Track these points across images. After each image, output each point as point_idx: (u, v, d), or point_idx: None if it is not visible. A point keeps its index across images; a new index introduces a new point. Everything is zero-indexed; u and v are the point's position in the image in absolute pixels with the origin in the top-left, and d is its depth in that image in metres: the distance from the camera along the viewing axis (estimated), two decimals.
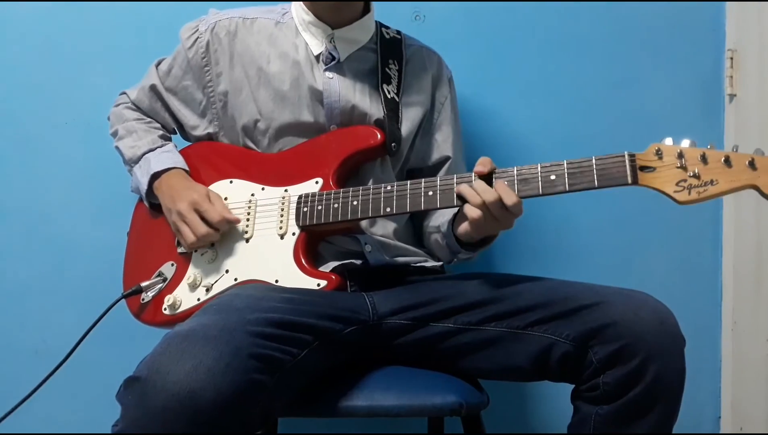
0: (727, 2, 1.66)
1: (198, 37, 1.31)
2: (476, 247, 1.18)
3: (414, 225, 1.36)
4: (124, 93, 1.42)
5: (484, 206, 1.05)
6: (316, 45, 1.27)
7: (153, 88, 1.36)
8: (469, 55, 1.63)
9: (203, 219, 1.19)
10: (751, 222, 1.61)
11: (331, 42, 1.27)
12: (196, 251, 1.23)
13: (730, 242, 1.67)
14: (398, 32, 1.37)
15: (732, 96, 1.65)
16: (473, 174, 1.09)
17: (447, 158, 1.35)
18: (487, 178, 1.08)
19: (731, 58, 1.65)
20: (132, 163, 1.32)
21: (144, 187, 1.28)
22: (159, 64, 1.37)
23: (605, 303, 1.03)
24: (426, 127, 1.35)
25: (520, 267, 1.61)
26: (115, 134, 1.37)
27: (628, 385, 0.98)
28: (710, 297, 1.69)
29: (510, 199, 1.03)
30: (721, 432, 1.68)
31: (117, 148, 1.36)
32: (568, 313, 1.04)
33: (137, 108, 1.39)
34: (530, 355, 1.06)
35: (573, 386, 1.07)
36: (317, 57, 1.27)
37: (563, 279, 1.14)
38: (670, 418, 1.01)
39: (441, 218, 1.26)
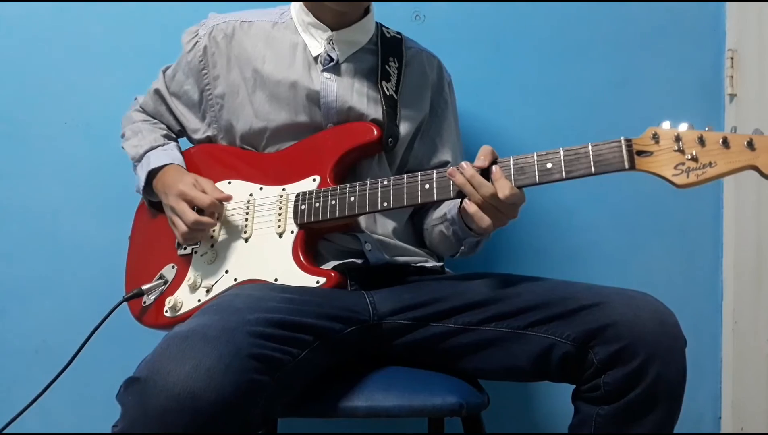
0: (727, 2, 1.66)
1: (197, 41, 1.31)
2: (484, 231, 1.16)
3: (414, 225, 1.35)
4: (136, 98, 1.44)
5: (483, 202, 1.04)
6: (316, 46, 1.27)
7: (157, 92, 1.38)
8: (469, 55, 1.63)
9: (196, 208, 1.20)
10: (751, 222, 1.61)
11: (330, 43, 1.27)
12: (196, 253, 1.24)
13: (730, 242, 1.67)
14: (398, 33, 1.37)
15: (732, 96, 1.65)
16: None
17: (446, 162, 1.35)
18: (488, 170, 1.06)
19: (731, 58, 1.65)
20: (135, 161, 1.34)
21: (141, 183, 1.29)
22: (166, 69, 1.39)
23: (606, 303, 1.03)
24: (425, 130, 1.35)
25: (520, 267, 1.61)
26: (123, 136, 1.40)
27: (629, 385, 0.98)
28: (710, 297, 1.69)
29: (503, 191, 1.02)
30: (721, 432, 1.68)
31: (123, 148, 1.38)
32: (568, 313, 1.04)
33: (144, 111, 1.41)
34: (531, 355, 1.06)
35: (573, 387, 1.07)
36: (316, 58, 1.27)
37: (563, 279, 1.14)
38: (671, 419, 1.01)
39: (445, 208, 1.26)
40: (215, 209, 1.20)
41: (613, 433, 1.01)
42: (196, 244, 1.24)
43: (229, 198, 1.22)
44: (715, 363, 1.68)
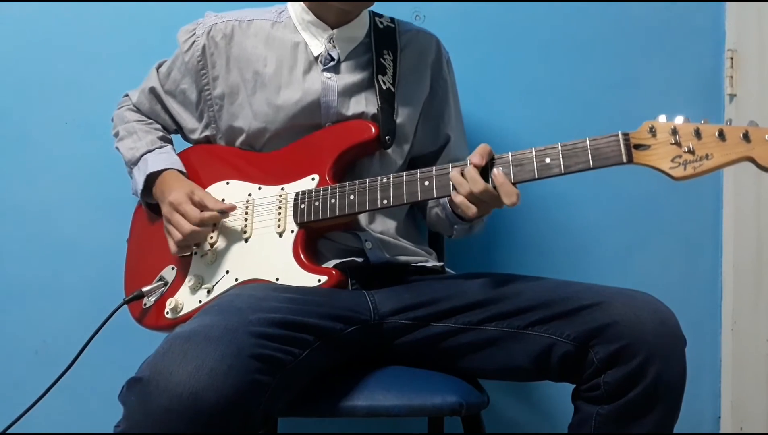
0: (727, 2, 1.66)
1: (195, 41, 1.31)
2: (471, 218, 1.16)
3: (413, 220, 1.36)
4: (127, 95, 1.42)
5: (471, 195, 1.05)
6: (316, 45, 1.27)
7: (152, 91, 1.37)
8: (469, 56, 1.62)
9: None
10: (751, 222, 1.62)
11: (330, 42, 1.27)
12: (196, 254, 1.24)
13: (729, 242, 1.67)
14: (392, 20, 1.36)
15: (732, 96, 1.65)
16: (468, 161, 1.08)
17: (448, 139, 1.36)
18: (486, 169, 1.07)
19: (731, 58, 1.65)
20: (131, 164, 1.33)
21: (140, 186, 1.29)
22: (160, 66, 1.37)
23: (606, 303, 1.03)
24: (426, 111, 1.35)
25: (520, 266, 1.61)
26: (116, 135, 1.38)
27: (629, 385, 0.98)
28: (710, 297, 1.69)
29: (509, 199, 1.03)
30: (721, 432, 1.68)
31: (117, 149, 1.36)
32: (568, 313, 1.04)
33: (138, 110, 1.39)
34: (531, 355, 1.06)
35: (573, 386, 1.07)
36: (316, 58, 1.27)
37: (564, 279, 1.14)
38: (670, 418, 1.01)
39: None
40: (205, 224, 1.19)
41: (612, 433, 1.01)
42: (189, 253, 1.24)
43: (233, 208, 1.22)
44: (715, 363, 1.68)
